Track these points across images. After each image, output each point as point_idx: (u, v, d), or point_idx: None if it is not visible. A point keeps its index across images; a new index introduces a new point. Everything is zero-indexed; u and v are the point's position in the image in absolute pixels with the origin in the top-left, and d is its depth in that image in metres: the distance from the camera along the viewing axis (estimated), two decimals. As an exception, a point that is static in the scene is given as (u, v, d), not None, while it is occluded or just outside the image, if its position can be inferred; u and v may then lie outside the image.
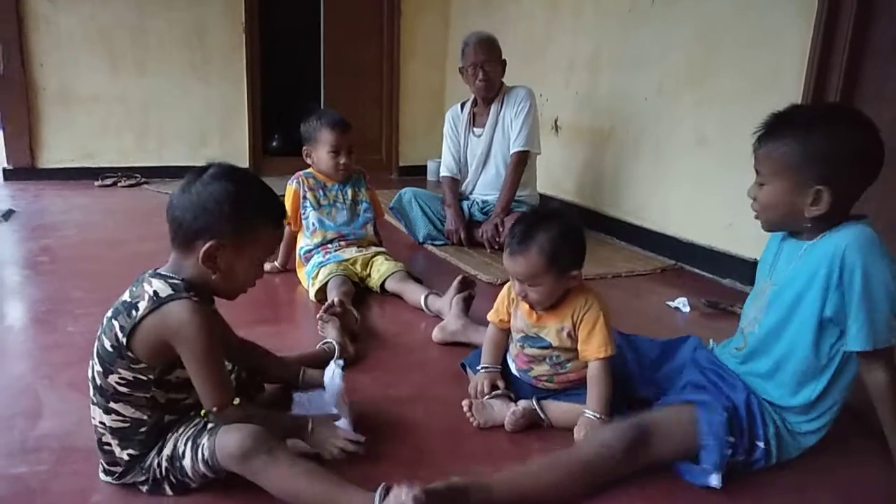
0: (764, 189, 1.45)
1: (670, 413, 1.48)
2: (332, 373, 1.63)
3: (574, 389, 1.67)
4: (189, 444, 1.29)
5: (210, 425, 1.31)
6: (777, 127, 1.42)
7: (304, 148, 2.75)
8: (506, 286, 1.78)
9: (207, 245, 1.28)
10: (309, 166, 2.78)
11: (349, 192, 2.78)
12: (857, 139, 1.37)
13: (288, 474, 1.23)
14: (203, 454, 1.26)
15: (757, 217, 1.52)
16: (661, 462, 1.45)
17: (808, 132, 1.38)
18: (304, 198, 2.71)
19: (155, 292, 1.26)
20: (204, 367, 1.27)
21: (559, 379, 1.68)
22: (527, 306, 1.68)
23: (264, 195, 1.38)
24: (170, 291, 1.26)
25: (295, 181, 2.74)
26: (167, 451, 1.31)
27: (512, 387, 1.74)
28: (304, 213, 2.72)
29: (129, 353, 1.27)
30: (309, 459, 1.30)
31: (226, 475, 1.29)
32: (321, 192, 2.74)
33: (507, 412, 1.63)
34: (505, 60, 3.46)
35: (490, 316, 1.79)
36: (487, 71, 3.37)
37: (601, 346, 1.59)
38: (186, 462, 1.28)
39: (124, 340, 1.26)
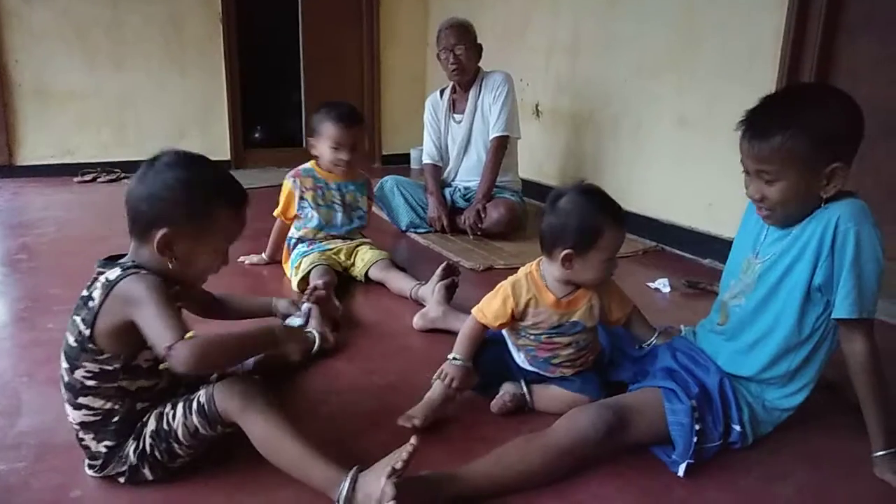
0: (776, 186, 1.42)
1: (642, 397, 1.49)
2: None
3: (571, 374, 1.67)
4: (182, 403, 1.31)
5: (183, 399, 1.32)
6: (769, 122, 1.40)
7: (310, 139, 2.69)
8: (506, 286, 1.63)
9: (161, 233, 1.28)
10: (314, 158, 2.70)
11: (348, 195, 2.73)
12: (846, 110, 1.40)
13: (275, 429, 1.26)
14: (199, 402, 1.29)
15: (767, 216, 1.49)
16: (636, 444, 1.47)
17: (806, 117, 1.37)
18: (302, 197, 2.65)
19: (106, 278, 1.27)
20: (152, 313, 1.20)
21: (581, 360, 1.67)
22: (551, 298, 1.60)
23: (220, 180, 1.36)
24: (119, 272, 1.27)
25: (292, 180, 2.67)
26: (150, 426, 1.31)
27: (509, 372, 1.71)
28: (301, 212, 2.67)
29: (92, 346, 1.27)
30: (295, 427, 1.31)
31: (216, 436, 1.31)
32: (320, 191, 2.67)
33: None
34: (480, 45, 3.45)
35: (485, 319, 1.63)
36: (458, 55, 3.36)
37: (627, 297, 1.71)
38: (177, 423, 1.29)
39: (87, 333, 1.26)
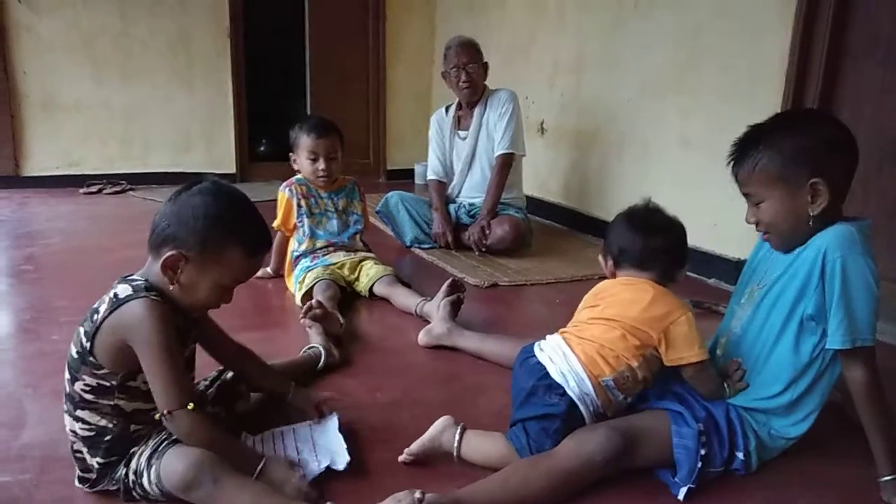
0: (762, 207, 1.45)
1: (651, 420, 1.47)
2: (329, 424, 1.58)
3: None
4: (146, 463, 1.29)
5: (162, 446, 1.29)
6: (747, 146, 1.45)
7: (291, 154, 2.75)
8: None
9: (169, 254, 1.28)
10: (297, 172, 2.77)
11: (340, 202, 2.78)
12: (825, 128, 1.42)
13: (236, 501, 1.22)
14: (152, 478, 1.26)
15: (767, 239, 1.52)
16: (641, 467, 1.46)
17: (780, 136, 1.41)
18: (299, 206, 2.70)
19: (115, 294, 1.28)
20: (157, 365, 1.24)
21: None
22: None
23: (246, 221, 1.35)
24: (129, 292, 1.27)
25: (287, 189, 2.72)
26: (133, 464, 1.31)
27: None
28: (299, 221, 2.71)
29: (92, 359, 1.27)
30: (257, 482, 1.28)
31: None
32: (313, 200, 2.73)
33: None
34: (487, 63, 3.48)
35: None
36: (470, 73, 3.39)
37: None
38: (145, 480, 1.28)
39: (88, 345, 1.27)
